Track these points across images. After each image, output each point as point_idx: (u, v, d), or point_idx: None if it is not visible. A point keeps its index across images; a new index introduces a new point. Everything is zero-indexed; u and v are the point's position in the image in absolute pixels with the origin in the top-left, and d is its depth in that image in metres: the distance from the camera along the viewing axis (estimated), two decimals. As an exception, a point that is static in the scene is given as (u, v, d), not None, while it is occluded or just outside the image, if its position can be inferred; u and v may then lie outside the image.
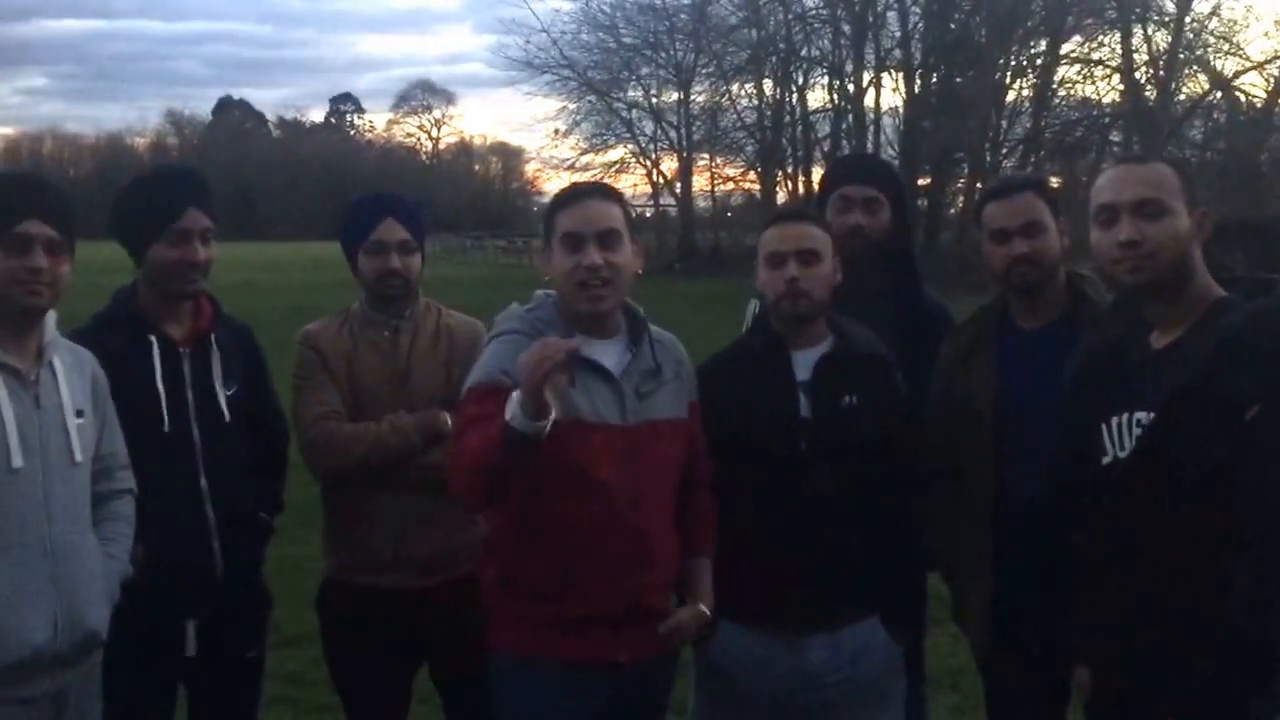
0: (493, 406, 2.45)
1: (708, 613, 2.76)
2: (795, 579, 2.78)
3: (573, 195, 2.74)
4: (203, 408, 3.01)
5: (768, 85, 39.50)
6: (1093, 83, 34.25)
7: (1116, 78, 33.53)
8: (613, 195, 2.77)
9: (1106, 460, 2.44)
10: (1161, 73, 32.47)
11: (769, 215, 2.84)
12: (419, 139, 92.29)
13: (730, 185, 44.95)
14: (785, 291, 2.82)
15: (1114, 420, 2.42)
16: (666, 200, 46.12)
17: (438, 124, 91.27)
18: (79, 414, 2.64)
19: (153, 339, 2.97)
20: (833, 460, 2.79)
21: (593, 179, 32.43)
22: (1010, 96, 34.22)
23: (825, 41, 37.80)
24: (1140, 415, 2.37)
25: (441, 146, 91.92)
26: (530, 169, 73.41)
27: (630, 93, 42.97)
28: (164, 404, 2.94)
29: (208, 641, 3.03)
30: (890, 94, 36.51)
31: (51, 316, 2.65)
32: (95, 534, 2.69)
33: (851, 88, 36.39)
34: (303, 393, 3.28)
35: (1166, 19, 32.46)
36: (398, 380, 3.24)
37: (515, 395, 2.36)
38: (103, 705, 2.73)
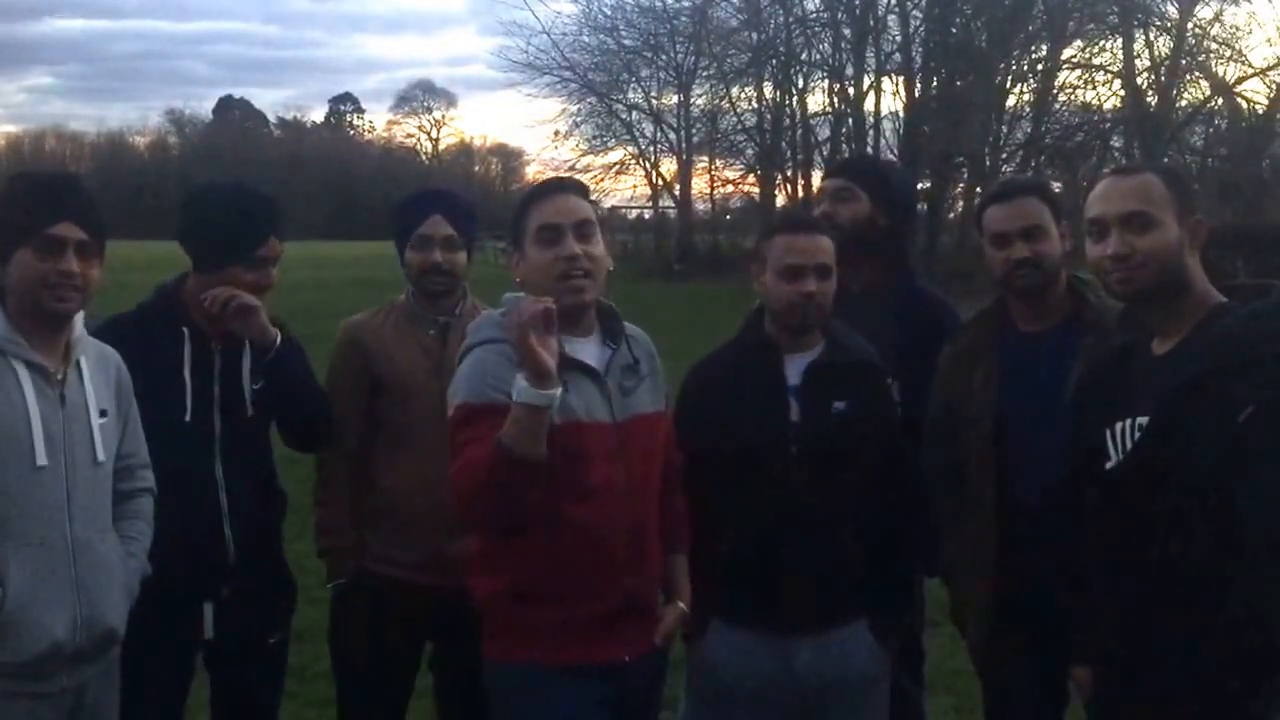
0: (485, 429, 2.42)
1: (687, 610, 2.81)
2: (784, 582, 2.81)
3: (544, 190, 2.69)
4: (228, 400, 3.05)
5: (768, 88, 39.24)
6: (1094, 88, 34.11)
7: (1117, 83, 33.41)
8: (583, 190, 2.77)
9: (1109, 465, 2.45)
10: (1163, 78, 32.40)
11: (774, 220, 2.84)
12: (419, 139, 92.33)
13: (730, 188, 44.90)
14: (801, 304, 2.84)
15: (1117, 425, 2.44)
16: (666, 203, 46.09)
17: (438, 125, 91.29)
18: (102, 414, 2.64)
19: (185, 330, 3.02)
20: (821, 465, 2.81)
21: (591, 180, 32.47)
22: (1011, 101, 34.10)
23: (826, 45, 37.58)
24: (1142, 420, 2.39)
25: (441, 147, 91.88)
26: (530, 171, 73.38)
27: (630, 95, 42.79)
28: (188, 393, 2.98)
29: (226, 626, 3.05)
30: (890, 98, 36.38)
31: (79, 315, 2.63)
32: (115, 532, 2.69)
33: (852, 91, 36.24)
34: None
35: (1169, 25, 32.28)
36: (444, 379, 3.23)
37: (520, 375, 2.36)
38: (119, 694, 2.73)
